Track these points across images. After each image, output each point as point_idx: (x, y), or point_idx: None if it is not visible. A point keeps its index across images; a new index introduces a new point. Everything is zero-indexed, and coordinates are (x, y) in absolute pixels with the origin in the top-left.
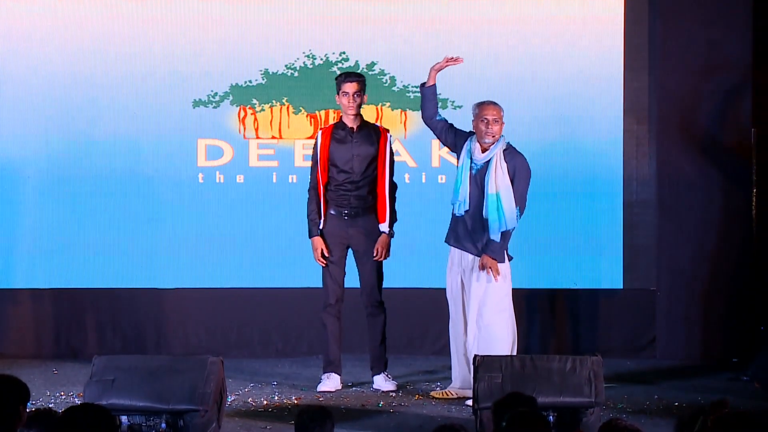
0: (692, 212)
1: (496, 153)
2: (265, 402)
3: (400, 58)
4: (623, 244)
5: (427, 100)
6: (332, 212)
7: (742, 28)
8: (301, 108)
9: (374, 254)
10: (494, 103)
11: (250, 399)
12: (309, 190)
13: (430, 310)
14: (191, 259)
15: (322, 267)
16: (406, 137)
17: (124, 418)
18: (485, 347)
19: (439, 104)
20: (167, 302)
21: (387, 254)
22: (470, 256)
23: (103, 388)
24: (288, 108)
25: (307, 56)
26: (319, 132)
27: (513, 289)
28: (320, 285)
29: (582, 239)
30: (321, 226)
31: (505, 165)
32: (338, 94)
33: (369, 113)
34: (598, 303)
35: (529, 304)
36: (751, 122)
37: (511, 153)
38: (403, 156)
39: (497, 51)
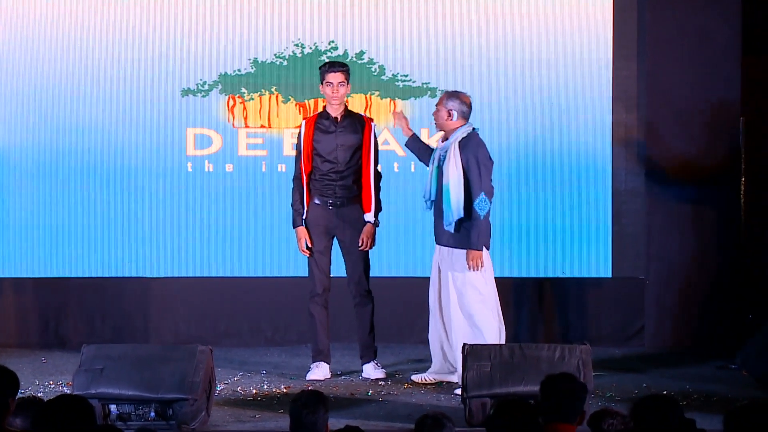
0: (681, 201)
1: (452, 143)
2: (254, 391)
3: (390, 47)
4: (612, 233)
5: (416, 152)
6: (317, 201)
7: (732, 16)
8: (290, 97)
9: (360, 244)
10: (445, 93)
11: (239, 388)
12: (293, 180)
13: (419, 298)
14: (180, 247)
15: (308, 257)
16: (395, 126)
17: (113, 407)
18: (472, 336)
19: (428, 93)
20: (156, 291)
21: (372, 244)
22: (444, 248)
23: (92, 377)
24: (277, 97)
25: (296, 45)
26: (303, 122)
27: (502, 277)
28: None
29: (570, 228)
30: (304, 216)
31: (459, 156)
32: (322, 83)
33: (358, 102)
34: (587, 292)
35: (518, 293)
36: (740, 111)
37: (465, 142)
38: (392, 145)
39: (485, 39)
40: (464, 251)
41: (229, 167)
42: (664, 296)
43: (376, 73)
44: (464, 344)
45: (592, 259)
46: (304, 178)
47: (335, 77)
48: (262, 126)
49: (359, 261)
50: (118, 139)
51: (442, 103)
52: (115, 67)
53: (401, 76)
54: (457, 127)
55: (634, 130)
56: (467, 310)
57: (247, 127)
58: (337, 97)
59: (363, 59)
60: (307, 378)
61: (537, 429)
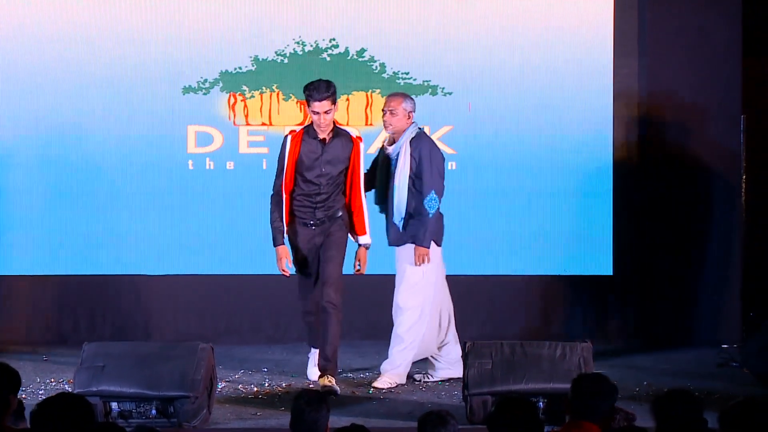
0: (682, 199)
1: (403, 143)
2: (255, 389)
3: (390, 45)
4: (613, 230)
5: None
6: (297, 222)
7: (732, 14)
8: (291, 95)
9: (356, 268)
10: (395, 95)
11: (240, 386)
12: (272, 196)
13: None
14: (181, 245)
15: (299, 277)
16: None
17: (114, 405)
18: (397, 327)
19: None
20: (157, 289)
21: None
22: (396, 248)
23: (93, 375)
24: (278, 94)
25: (297, 43)
26: (288, 137)
27: (505, 275)
28: None
29: (571, 225)
30: (287, 233)
31: (409, 154)
32: (308, 106)
33: (359, 99)
34: (589, 289)
35: (520, 291)
36: (740, 108)
37: (416, 140)
38: None
39: (486, 37)
40: (409, 246)
41: (230, 165)
42: (666, 294)
43: (377, 71)
44: (465, 342)
45: (594, 256)
46: (285, 196)
47: (321, 106)
48: (263, 124)
49: (336, 270)
50: (119, 136)
51: (401, 106)
52: (117, 64)
53: (402, 73)
54: (408, 127)
55: (635, 128)
56: (399, 303)
57: (248, 124)
58: (324, 124)
59: (364, 57)
60: (308, 375)
61: (537, 427)
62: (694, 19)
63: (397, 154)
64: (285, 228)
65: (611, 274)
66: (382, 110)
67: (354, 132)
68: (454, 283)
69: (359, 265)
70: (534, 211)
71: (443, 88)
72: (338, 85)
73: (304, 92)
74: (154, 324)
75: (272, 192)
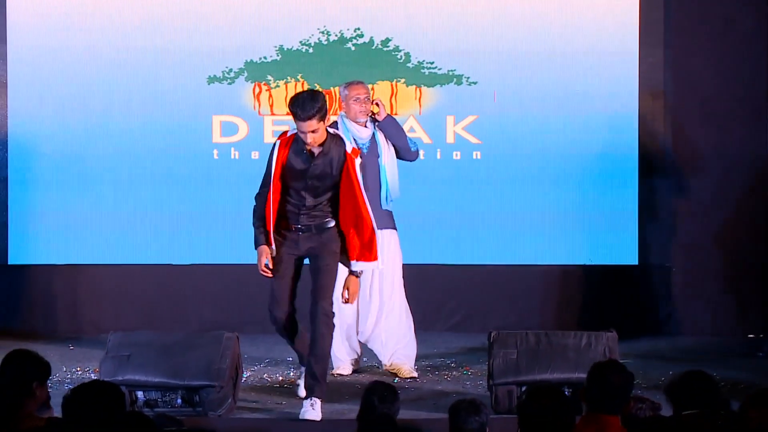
0: (708, 188)
1: (376, 128)
2: (280, 378)
3: (415, 34)
4: (639, 221)
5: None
6: (283, 227)
7: (758, 4)
8: (315, 84)
9: (344, 298)
10: (362, 82)
11: (265, 375)
12: (256, 197)
13: (445, 286)
14: (207, 235)
15: (273, 282)
16: (421, 113)
17: (140, 394)
18: (408, 318)
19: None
20: (183, 278)
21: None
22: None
23: (119, 364)
24: (303, 84)
25: (322, 32)
26: (277, 142)
27: (529, 265)
28: None
29: (597, 215)
30: (270, 236)
31: (384, 136)
32: (294, 121)
33: (384, 89)
34: (614, 279)
35: (545, 281)
36: (766, 97)
37: (374, 123)
38: (417, 132)
39: (511, 26)
40: (391, 231)
41: (255, 155)
42: (692, 284)
43: (401, 61)
44: (490, 331)
45: (619, 246)
46: (272, 207)
47: (307, 126)
48: (288, 113)
49: (330, 278)
50: (144, 126)
51: (370, 95)
52: (142, 54)
53: (427, 63)
54: None
55: (661, 117)
56: (399, 288)
57: (272, 114)
58: (312, 142)
59: (389, 46)
60: (298, 393)
61: (569, 416)
62: (720, 9)
63: (371, 138)
64: (270, 232)
65: (636, 263)
66: (358, 98)
67: (349, 144)
68: (479, 272)
69: (347, 294)
70: (559, 201)
71: (468, 78)
72: (363, 74)
73: (289, 107)
74: (180, 313)
75: (257, 194)
